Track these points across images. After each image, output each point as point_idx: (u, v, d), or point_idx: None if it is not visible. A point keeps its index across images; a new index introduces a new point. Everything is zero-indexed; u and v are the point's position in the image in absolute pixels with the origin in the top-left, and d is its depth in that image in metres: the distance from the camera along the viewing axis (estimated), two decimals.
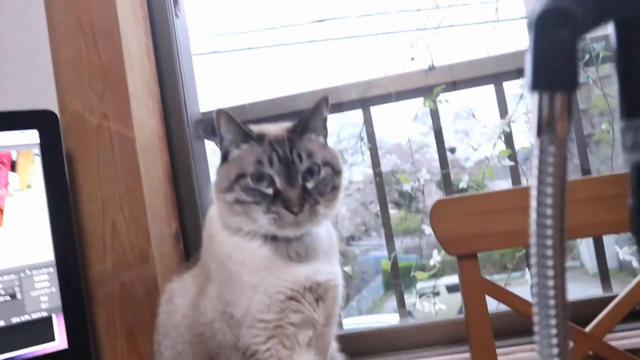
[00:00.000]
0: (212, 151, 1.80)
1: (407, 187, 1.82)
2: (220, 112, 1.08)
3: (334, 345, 1.23)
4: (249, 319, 1.05)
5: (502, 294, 1.27)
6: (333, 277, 1.12)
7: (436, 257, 1.79)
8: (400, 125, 1.81)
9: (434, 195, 1.79)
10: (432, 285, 1.82)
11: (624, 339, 1.44)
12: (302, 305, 1.07)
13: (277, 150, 1.06)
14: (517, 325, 1.52)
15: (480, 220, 1.25)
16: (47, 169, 1.34)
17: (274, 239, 1.08)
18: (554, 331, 0.49)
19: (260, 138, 1.09)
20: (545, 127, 0.50)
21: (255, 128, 1.12)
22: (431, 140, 1.80)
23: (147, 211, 1.44)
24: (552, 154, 0.50)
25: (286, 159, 1.05)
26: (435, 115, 1.77)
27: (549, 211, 0.49)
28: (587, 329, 1.26)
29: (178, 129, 1.66)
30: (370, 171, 1.83)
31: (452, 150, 1.77)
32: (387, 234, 1.78)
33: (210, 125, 1.74)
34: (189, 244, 1.61)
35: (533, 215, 0.51)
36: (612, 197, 1.20)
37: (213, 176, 1.71)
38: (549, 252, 0.48)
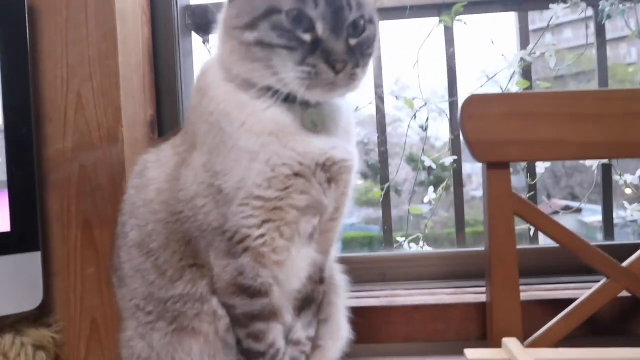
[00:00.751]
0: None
1: (411, 113, 1.64)
2: None
3: (335, 251, 1.03)
4: (242, 194, 0.84)
5: (535, 216, 1.08)
6: (351, 157, 0.91)
7: (431, 195, 1.63)
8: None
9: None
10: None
11: None
12: (311, 185, 0.86)
13: None
14: (538, 263, 1.37)
15: (519, 124, 1.06)
16: (3, 18, 1.10)
17: (288, 100, 0.86)
18: None
19: None
20: None
21: None
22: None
23: (120, 85, 1.20)
24: None
25: (333, 2, 0.82)
26: (450, 35, 1.59)
27: None
28: (625, 264, 1.10)
29: (164, 8, 1.42)
30: None
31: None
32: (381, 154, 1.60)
33: (199, 16, 1.51)
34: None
35: None
36: None
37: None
38: None
